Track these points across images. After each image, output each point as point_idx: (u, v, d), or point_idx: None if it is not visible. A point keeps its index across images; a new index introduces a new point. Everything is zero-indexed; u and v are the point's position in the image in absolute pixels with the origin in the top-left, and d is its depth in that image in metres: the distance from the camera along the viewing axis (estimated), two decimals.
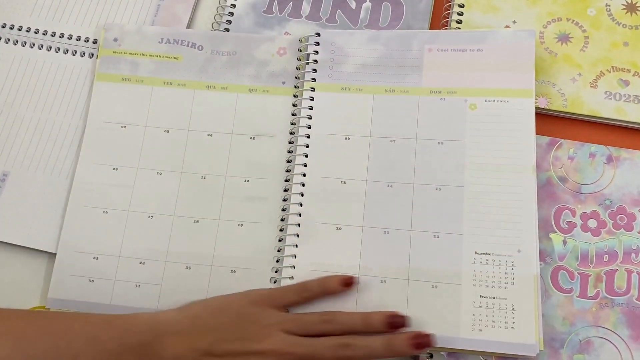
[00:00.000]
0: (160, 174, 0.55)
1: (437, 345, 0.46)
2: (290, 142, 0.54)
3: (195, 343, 0.44)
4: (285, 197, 0.53)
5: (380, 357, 0.45)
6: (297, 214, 0.52)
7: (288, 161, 0.54)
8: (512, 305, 0.47)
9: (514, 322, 0.46)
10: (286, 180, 0.53)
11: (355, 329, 0.45)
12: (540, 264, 0.50)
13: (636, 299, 0.49)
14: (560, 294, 0.49)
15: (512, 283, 0.48)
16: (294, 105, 0.56)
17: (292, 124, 0.55)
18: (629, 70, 0.56)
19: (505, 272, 0.48)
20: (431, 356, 0.48)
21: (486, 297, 0.47)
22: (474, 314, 0.47)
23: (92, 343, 0.43)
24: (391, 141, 0.53)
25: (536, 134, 0.52)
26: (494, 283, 0.48)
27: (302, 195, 0.52)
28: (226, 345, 0.44)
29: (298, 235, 0.51)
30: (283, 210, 0.52)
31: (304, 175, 0.53)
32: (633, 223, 0.51)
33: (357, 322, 0.46)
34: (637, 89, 0.55)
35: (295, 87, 0.56)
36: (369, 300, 0.48)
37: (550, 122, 0.55)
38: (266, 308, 0.46)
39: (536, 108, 0.54)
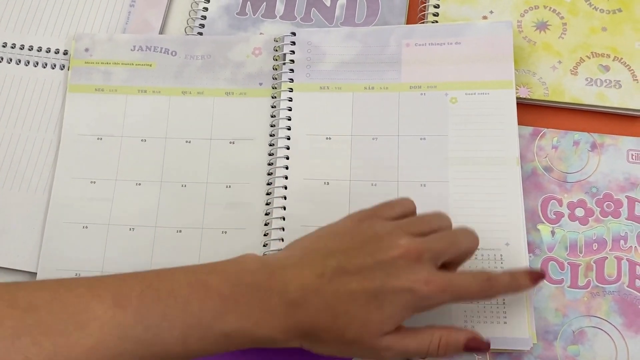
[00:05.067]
0: (140, 184, 0.53)
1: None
2: (270, 145, 0.53)
3: (321, 267, 0.39)
4: (268, 201, 0.52)
5: (506, 293, 0.42)
6: (280, 217, 0.51)
7: (269, 164, 0.53)
8: (503, 300, 0.46)
9: (505, 317, 0.46)
10: (268, 184, 0.52)
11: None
12: (530, 256, 0.49)
13: (627, 286, 0.48)
14: (551, 285, 0.49)
15: None
16: (272, 106, 0.55)
17: (271, 126, 0.54)
18: (608, 56, 0.55)
19: (494, 267, 0.47)
20: None
21: None
22: (465, 311, 0.46)
23: (202, 290, 0.38)
24: (373, 139, 0.52)
25: (519, 124, 0.52)
26: None
27: (285, 198, 0.51)
28: (356, 261, 0.39)
29: (283, 240, 0.50)
30: (267, 214, 0.51)
31: (286, 177, 0.52)
32: (620, 210, 0.50)
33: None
34: (617, 74, 0.54)
35: (273, 88, 0.55)
36: None
37: (533, 111, 0.55)
38: (376, 221, 0.42)
39: (517, 98, 0.53)
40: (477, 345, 0.40)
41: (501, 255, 0.48)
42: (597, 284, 0.48)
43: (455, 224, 0.48)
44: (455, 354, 0.41)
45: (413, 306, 0.39)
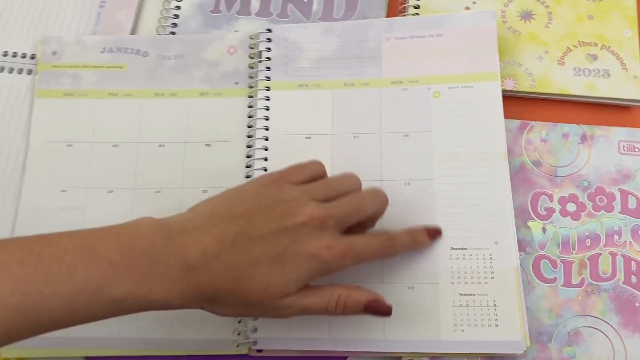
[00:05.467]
0: (112, 192, 0.51)
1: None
2: (248, 146, 0.51)
3: (224, 232, 0.38)
4: None
5: (406, 250, 0.45)
6: None
7: (247, 166, 0.51)
8: (494, 301, 0.44)
9: (497, 319, 0.44)
10: None
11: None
12: (520, 255, 0.47)
13: (623, 283, 0.46)
14: (543, 284, 0.46)
15: (492, 277, 0.45)
16: (249, 106, 0.52)
17: (249, 126, 0.52)
18: (596, 44, 0.53)
19: (483, 267, 0.45)
20: None
21: (466, 295, 0.44)
22: (454, 314, 0.44)
23: (88, 256, 0.36)
24: (355, 137, 0.50)
25: (505, 117, 0.50)
26: (473, 279, 0.45)
27: None
28: (261, 226, 0.38)
29: None
30: None
31: None
32: (613, 203, 0.48)
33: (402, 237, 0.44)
34: (605, 63, 0.53)
35: (249, 87, 0.53)
36: None
37: (519, 104, 0.53)
38: (284, 185, 0.41)
39: (503, 91, 0.51)
40: (378, 307, 0.41)
41: (490, 255, 0.45)
42: (592, 281, 0.46)
43: (443, 222, 0.46)
44: (355, 314, 0.41)
45: (316, 271, 0.39)
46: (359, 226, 0.42)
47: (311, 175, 0.43)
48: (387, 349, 0.44)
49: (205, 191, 0.50)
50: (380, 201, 0.43)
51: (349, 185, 0.43)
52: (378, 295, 0.41)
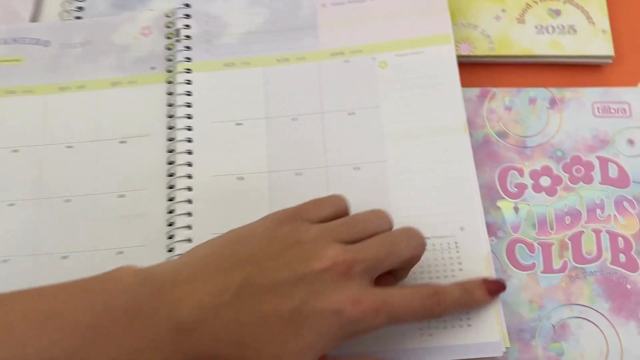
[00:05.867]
0: (13, 205, 0.43)
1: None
2: (169, 140, 0.44)
3: (224, 282, 0.30)
4: (171, 209, 0.42)
5: (457, 310, 0.36)
6: (186, 226, 0.41)
7: (170, 163, 0.43)
8: None
9: (469, 319, 0.37)
10: (170, 187, 0.43)
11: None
12: (492, 240, 0.41)
13: (610, 264, 0.40)
14: (521, 272, 0.40)
15: (460, 269, 0.38)
16: (168, 93, 0.45)
17: (169, 116, 0.44)
18: None
19: (449, 257, 0.39)
20: None
21: None
22: None
23: (49, 323, 0.28)
24: (293, 119, 0.43)
25: (463, 86, 0.43)
26: (438, 273, 0.38)
27: (191, 202, 0.42)
28: (271, 274, 0.31)
29: None
30: (170, 225, 0.42)
31: (190, 177, 0.42)
32: (592, 173, 0.42)
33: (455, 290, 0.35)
34: (570, 18, 0.47)
35: (168, 71, 0.46)
36: None
37: (478, 70, 0.47)
38: (300, 223, 0.33)
39: (458, 56, 0.45)
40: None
41: (456, 243, 0.39)
42: (575, 264, 0.40)
43: (399, 210, 0.40)
44: None
45: (340, 332, 0.31)
46: (389, 276, 0.35)
47: (332, 212, 0.35)
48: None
49: (123, 195, 0.43)
50: (417, 243, 0.35)
51: (378, 224, 0.35)
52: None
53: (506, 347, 0.36)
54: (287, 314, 0.30)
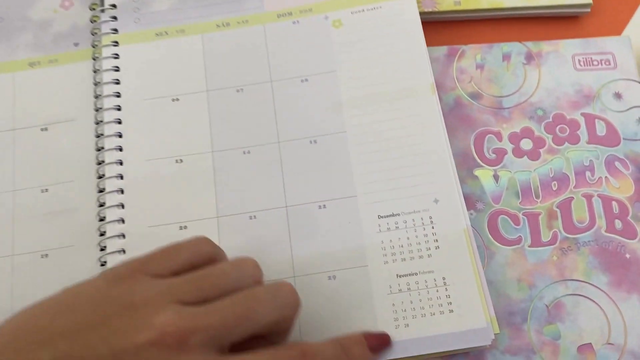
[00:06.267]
0: None
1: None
2: (97, 123, 0.38)
3: None
4: (102, 201, 0.36)
5: None
6: (118, 220, 0.35)
7: (99, 149, 0.38)
8: (443, 279, 0.32)
9: (450, 303, 0.32)
10: (99, 177, 0.37)
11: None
12: (470, 214, 0.36)
13: (605, 231, 0.35)
14: (505, 247, 0.35)
15: (437, 247, 0.33)
16: (95, 71, 0.39)
17: (96, 97, 0.39)
18: None
19: (424, 235, 0.34)
20: None
21: (405, 276, 0.33)
22: (393, 304, 0.32)
23: None
24: (238, 91, 0.38)
25: (428, 45, 0.38)
26: (412, 253, 0.33)
27: (122, 192, 0.36)
28: (84, 353, 0.25)
29: (124, 252, 0.35)
30: (101, 220, 0.36)
31: (121, 163, 0.37)
32: (578, 132, 0.38)
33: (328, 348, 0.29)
34: None
35: (93, 46, 0.40)
36: None
37: (444, 28, 0.42)
38: (141, 279, 0.27)
39: (422, 14, 0.40)
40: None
41: (431, 218, 0.34)
42: (567, 235, 0.35)
43: (364, 185, 0.35)
44: None
45: None
46: (263, 340, 0.28)
47: (188, 260, 0.29)
48: None
49: (46, 190, 0.37)
50: (286, 302, 0.28)
51: (239, 277, 0.28)
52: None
53: (495, 334, 0.31)
54: None
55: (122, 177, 0.36)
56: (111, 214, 0.35)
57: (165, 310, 0.25)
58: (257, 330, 0.27)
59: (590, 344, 0.33)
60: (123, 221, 0.35)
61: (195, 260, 0.29)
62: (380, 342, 0.31)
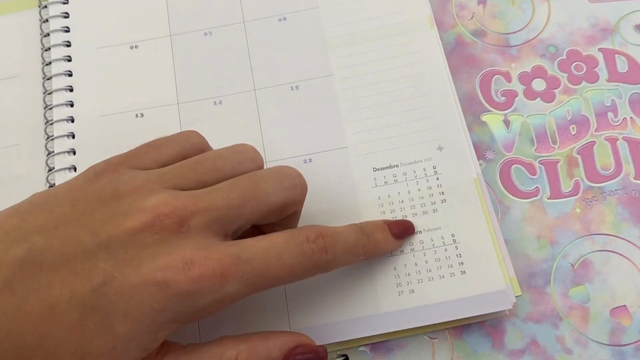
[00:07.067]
0: None
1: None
2: (48, 79, 0.33)
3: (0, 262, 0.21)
4: (51, 165, 0.31)
5: (356, 259, 0.25)
6: None
7: (48, 107, 0.32)
8: (452, 236, 0.27)
9: (462, 264, 0.27)
10: (49, 138, 0.32)
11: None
12: (480, 164, 0.31)
13: (634, 178, 0.31)
14: (521, 200, 0.31)
15: (443, 201, 0.28)
16: (44, 21, 0.34)
17: (44, 49, 0.34)
18: None
19: (427, 187, 0.29)
20: (346, 359, 0.28)
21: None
22: (395, 268, 0.27)
23: None
24: (206, 34, 0.33)
25: None
26: (415, 209, 0.28)
27: (74, 153, 0.31)
28: (66, 245, 0.21)
29: None
30: (51, 186, 0.31)
31: (72, 120, 0.32)
32: (596, 70, 0.33)
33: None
34: None
35: None
36: None
37: None
38: (123, 171, 0.24)
39: None
40: (307, 354, 0.23)
41: (434, 168, 0.29)
42: (590, 184, 0.31)
43: (356, 135, 0.30)
44: None
45: (170, 313, 0.21)
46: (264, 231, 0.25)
47: (177, 153, 0.25)
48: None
49: None
50: (292, 183, 0.25)
51: (241, 160, 0.25)
52: (300, 337, 0.24)
53: (516, 296, 0.26)
54: (87, 297, 0.20)
55: (73, 137, 0.31)
56: (61, 179, 0.30)
57: (159, 193, 0.22)
58: (263, 213, 0.23)
59: (625, 306, 0.28)
60: None
61: (186, 152, 0.25)
62: (402, 228, 0.27)
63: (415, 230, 0.28)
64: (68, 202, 0.22)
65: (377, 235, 0.26)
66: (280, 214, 0.24)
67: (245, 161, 0.25)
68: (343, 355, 0.28)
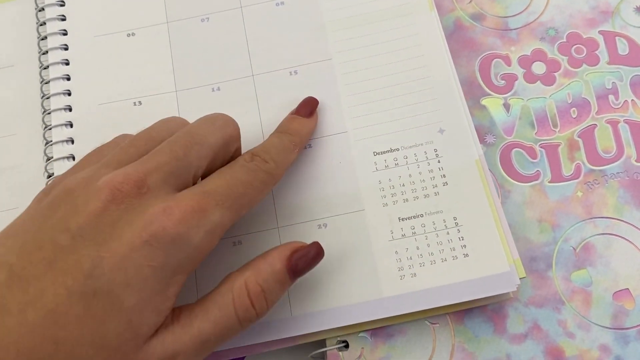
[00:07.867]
0: None
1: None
2: (45, 68, 0.33)
3: None
4: (49, 154, 0.31)
5: (290, 154, 0.28)
6: None
7: (46, 96, 0.32)
8: (454, 219, 0.27)
9: (464, 247, 0.27)
10: (47, 127, 0.32)
11: None
12: (482, 148, 0.31)
13: (636, 161, 0.31)
14: (522, 184, 0.30)
15: (445, 184, 0.28)
16: (40, 10, 0.34)
17: (41, 38, 0.33)
18: None
19: (428, 171, 0.29)
20: (346, 345, 0.28)
21: (409, 219, 0.28)
22: (396, 252, 0.27)
23: None
24: (203, 20, 0.33)
25: None
26: (416, 192, 0.28)
27: (72, 142, 0.31)
28: (39, 251, 0.21)
29: None
30: (49, 176, 0.31)
31: (70, 109, 0.31)
32: (597, 52, 0.33)
33: None
34: None
35: None
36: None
37: None
38: (68, 174, 0.25)
39: None
40: (305, 257, 0.25)
41: (435, 151, 0.29)
42: (592, 167, 0.31)
43: (355, 119, 0.30)
44: (283, 293, 0.24)
45: (171, 264, 0.21)
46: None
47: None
48: (290, 333, 0.26)
49: None
50: (222, 123, 0.26)
51: (170, 127, 0.26)
52: (293, 244, 0.25)
53: (520, 278, 0.26)
54: (84, 286, 0.20)
55: (71, 126, 0.31)
56: (60, 169, 0.30)
57: (107, 173, 0.23)
58: (210, 156, 0.25)
59: (628, 289, 0.28)
60: None
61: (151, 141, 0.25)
62: (307, 105, 0.29)
63: (417, 214, 0.28)
64: (28, 222, 0.22)
65: (293, 126, 0.28)
66: (225, 154, 0.26)
67: (175, 126, 0.26)
68: (343, 342, 0.27)
